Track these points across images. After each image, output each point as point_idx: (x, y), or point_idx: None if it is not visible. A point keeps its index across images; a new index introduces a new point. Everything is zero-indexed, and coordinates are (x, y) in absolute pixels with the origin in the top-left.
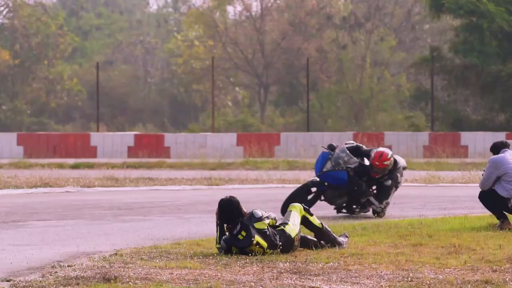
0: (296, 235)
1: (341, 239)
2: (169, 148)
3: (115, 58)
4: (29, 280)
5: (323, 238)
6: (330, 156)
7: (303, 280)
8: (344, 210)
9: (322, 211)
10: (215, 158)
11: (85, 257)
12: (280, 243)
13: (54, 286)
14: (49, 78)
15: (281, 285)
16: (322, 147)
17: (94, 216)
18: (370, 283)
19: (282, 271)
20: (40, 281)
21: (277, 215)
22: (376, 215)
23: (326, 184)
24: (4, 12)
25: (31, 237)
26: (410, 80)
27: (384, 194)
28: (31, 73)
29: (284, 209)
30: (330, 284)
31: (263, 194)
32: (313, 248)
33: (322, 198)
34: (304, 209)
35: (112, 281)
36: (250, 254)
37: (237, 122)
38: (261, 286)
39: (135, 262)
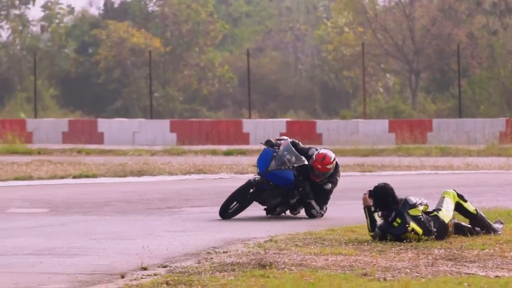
0: (450, 221)
1: (496, 225)
2: (321, 135)
3: (265, 45)
4: (185, 266)
5: (477, 225)
6: (274, 154)
7: (459, 266)
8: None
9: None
10: (367, 144)
11: (240, 243)
12: (435, 230)
13: (210, 272)
14: (200, 65)
15: (436, 272)
16: (261, 143)
17: None
18: None
19: (437, 257)
20: (196, 267)
21: (427, 201)
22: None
23: (271, 183)
24: (155, 0)
25: (186, 223)
26: None
27: (324, 199)
28: (182, 60)
29: (225, 210)
30: (486, 271)
31: (416, 181)
32: (468, 235)
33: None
34: (458, 195)
35: (267, 267)
36: (404, 241)
37: (389, 109)
38: (417, 273)
39: (290, 248)
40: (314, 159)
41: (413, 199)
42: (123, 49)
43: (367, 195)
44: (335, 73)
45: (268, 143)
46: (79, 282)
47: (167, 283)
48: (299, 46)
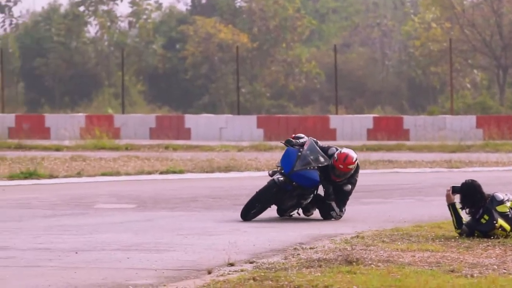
0: None
1: None
2: (408, 131)
3: (352, 41)
4: (272, 262)
5: None
6: (299, 153)
7: None
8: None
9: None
10: (454, 140)
11: (327, 239)
12: None
13: (297, 268)
14: (287, 60)
15: None
16: (281, 142)
17: None
18: None
19: None
20: (283, 263)
21: None
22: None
23: (294, 184)
24: None
25: (273, 219)
26: None
27: (343, 200)
28: (270, 56)
29: (248, 212)
30: None
31: (504, 177)
32: None
33: None
34: None
35: (354, 263)
36: (492, 237)
37: (476, 105)
38: (504, 269)
39: (377, 244)
40: (336, 158)
41: (500, 196)
42: (211, 45)
43: (450, 192)
44: (422, 69)
45: (288, 142)
46: (166, 278)
47: (253, 279)
48: (386, 41)
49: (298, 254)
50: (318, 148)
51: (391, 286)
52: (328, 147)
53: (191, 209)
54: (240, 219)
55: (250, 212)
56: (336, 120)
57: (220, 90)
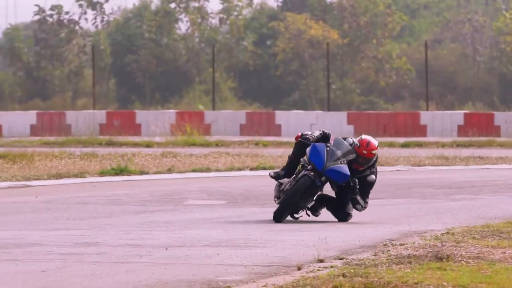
0: None
1: None
2: (499, 127)
3: (443, 37)
4: (362, 258)
5: None
6: (327, 149)
7: None
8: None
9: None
10: None
11: (416, 235)
12: None
13: (387, 265)
14: (378, 57)
15: None
16: (300, 140)
17: (424, 195)
18: None
19: None
20: (373, 260)
21: None
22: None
23: (322, 180)
24: None
25: (363, 215)
26: None
27: (367, 192)
28: (360, 52)
29: (283, 213)
30: None
31: None
32: None
33: None
34: None
35: (444, 260)
36: None
37: None
38: None
39: (467, 241)
40: (358, 145)
41: None
42: (301, 41)
43: None
44: None
45: (305, 138)
46: (255, 274)
47: (343, 276)
48: (477, 37)
49: (388, 251)
50: (343, 141)
51: (481, 283)
52: (344, 138)
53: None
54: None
55: (284, 214)
56: (426, 116)
57: (311, 87)
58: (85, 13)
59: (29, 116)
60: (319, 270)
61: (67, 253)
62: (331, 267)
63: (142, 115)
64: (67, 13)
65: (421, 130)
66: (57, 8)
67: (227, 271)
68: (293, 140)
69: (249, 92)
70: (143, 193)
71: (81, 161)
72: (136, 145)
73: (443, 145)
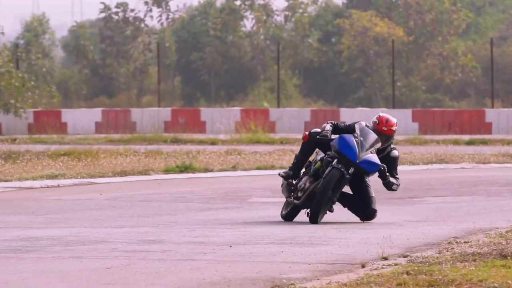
0: None
1: None
2: None
3: (509, 34)
4: (426, 256)
5: None
6: (356, 140)
7: None
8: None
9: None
10: None
11: (481, 233)
12: None
13: (451, 262)
14: (443, 54)
15: None
16: (318, 137)
17: (489, 193)
18: None
19: None
20: (437, 257)
21: None
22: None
23: (350, 172)
24: None
25: (427, 213)
26: None
27: (395, 168)
28: (425, 49)
29: (319, 213)
30: None
31: None
32: None
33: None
34: None
35: (509, 257)
36: None
37: None
38: None
39: None
40: (377, 122)
41: None
42: (367, 39)
43: None
44: None
45: (323, 135)
46: (319, 272)
47: (407, 273)
48: None
49: (452, 248)
50: (368, 129)
51: None
52: (354, 123)
53: None
54: (396, 213)
55: (321, 214)
56: (492, 114)
57: (376, 84)
58: (151, 10)
59: (94, 114)
60: (383, 267)
61: (132, 251)
62: (395, 264)
63: (207, 113)
64: (132, 10)
65: (486, 128)
66: (122, 5)
67: (291, 268)
68: None
69: (314, 89)
70: (207, 190)
71: (145, 159)
72: (200, 142)
73: (508, 143)
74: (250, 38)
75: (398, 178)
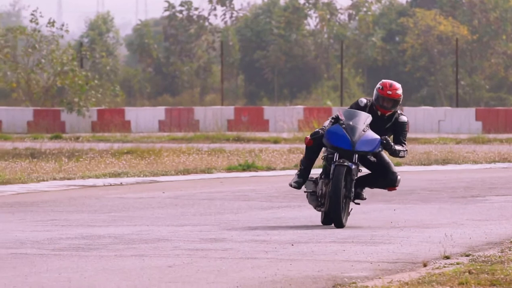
0: None
1: None
2: None
3: None
4: (488, 255)
5: None
6: (343, 126)
7: None
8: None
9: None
10: None
11: None
12: None
13: None
14: (508, 53)
15: None
16: (312, 138)
17: None
18: None
19: None
20: (499, 256)
21: None
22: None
23: (354, 160)
24: None
25: (490, 212)
26: None
27: (404, 134)
28: (489, 48)
29: (340, 216)
30: None
31: None
32: None
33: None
34: None
35: None
36: None
37: None
38: None
39: None
40: (381, 87)
41: None
42: (430, 37)
43: None
44: None
45: (315, 133)
46: (381, 270)
47: (469, 272)
48: None
49: None
50: (352, 110)
51: None
52: (352, 107)
53: (408, 201)
54: (459, 212)
55: (343, 216)
56: None
57: (439, 83)
58: (215, 9)
59: (158, 112)
60: (445, 266)
61: (194, 249)
62: (457, 263)
63: (270, 111)
64: (196, 9)
65: None
66: (187, 4)
67: (353, 267)
68: (420, 136)
69: None
70: (269, 189)
71: (208, 157)
72: (263, 141)
73: None
74: (314, 36)
75: (405, 144)
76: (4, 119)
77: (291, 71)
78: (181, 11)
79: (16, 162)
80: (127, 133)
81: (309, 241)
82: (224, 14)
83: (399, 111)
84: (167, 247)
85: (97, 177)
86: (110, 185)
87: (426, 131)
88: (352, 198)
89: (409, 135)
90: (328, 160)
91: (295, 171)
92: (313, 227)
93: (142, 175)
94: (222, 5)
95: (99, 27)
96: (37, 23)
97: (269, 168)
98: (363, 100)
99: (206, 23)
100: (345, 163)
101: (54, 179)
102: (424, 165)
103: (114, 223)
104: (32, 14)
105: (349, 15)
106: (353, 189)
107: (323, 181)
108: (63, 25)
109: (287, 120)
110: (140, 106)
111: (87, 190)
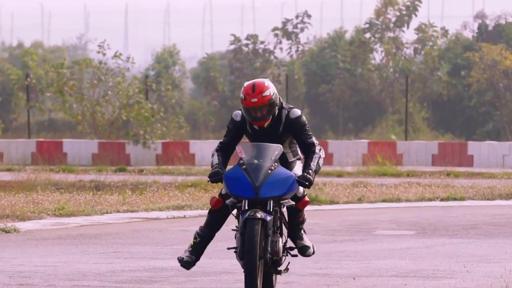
0: None
1: None
2: None
3: None
4: None
5: None
6: (244, 167)
7: None
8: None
9: None
10: None
11: None
12: None
13: None
14: None
15: None
16: (209, 180)
17: None
18: None
19: None
20: None
21: None
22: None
23: (270, 206)
24: None
25: None
26: None
27: (304, 131)
28: None
29: (254, 280)
30: None
31: None
32: None
33: None
34: None
35: None
36: None
37: None
38: None
39: None
40: (243, 97)
41: None
42: (496, 72)
43: None
44: None
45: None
46: None
47: None
48: None
49: None
50: (252, 143)
51: None
52: (229, 120)
53: (471, 236)
54: None
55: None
56: None
57: (504, 118)
58: (280, 42)
59: None
60: None
61: None
62: None
63: (334, 145)
64: (262, 42)
65: None
66: (252, 37)
67: None
68: (485, 171)
69: (442, 122)
70: (333, 222)
71: None
72: (327, 174)
73: None
74: (379, 70)
75: (311, 138)
76: (69, 151)
77: (356, 105)
78: (247, 45)
79: (80, 194)
80: (191, 166)
81: (371, 275)
82: (290, 48)
83: (285, 105)
84: (229, 280)
85: (160, 209)
86: (174, 217)
87: (490, 166)
88: (268, 259)
89: (472, 170)
90: (238, 209)
91: (358, 205)
92: (375, 261)
93: (205, 208)
94: (288, 39)
95: (165, 60)
96: (104, 54)
97: (332, 202)
98: (238, 114)
99: (272, 57)
100: (258, 215)
101: (118, 211)
102: (488, 199)
103: (177, 255)
104: (99, 46)
105: (415, 49)
106: (269, 248)
107: (239, 238)
108: (129, 57)
109: (352, 154)
110: (204, 139)
111: (150, 223)
